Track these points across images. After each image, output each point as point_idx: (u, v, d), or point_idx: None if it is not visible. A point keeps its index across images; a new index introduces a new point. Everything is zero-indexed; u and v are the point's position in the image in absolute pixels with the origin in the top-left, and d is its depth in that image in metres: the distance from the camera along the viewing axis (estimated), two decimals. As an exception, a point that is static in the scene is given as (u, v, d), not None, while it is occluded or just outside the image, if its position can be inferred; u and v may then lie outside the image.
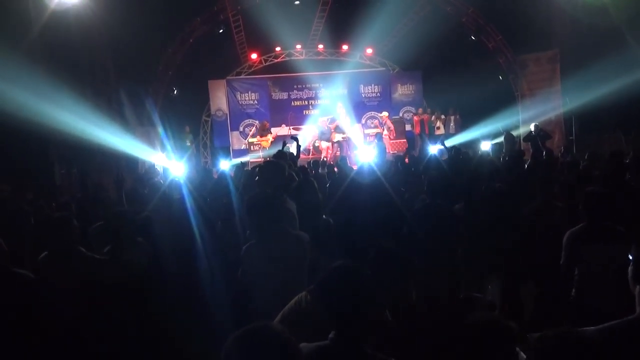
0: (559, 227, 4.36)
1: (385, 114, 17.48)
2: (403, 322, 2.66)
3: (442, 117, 17.85)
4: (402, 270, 2.72)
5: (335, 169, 9.88)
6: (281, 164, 4.79)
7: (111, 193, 7.31)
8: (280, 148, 7.33)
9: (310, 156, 16.57)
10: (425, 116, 18.25)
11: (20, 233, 5.24)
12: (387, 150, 15.59)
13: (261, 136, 16.55)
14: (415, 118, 18.11)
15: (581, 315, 3.70)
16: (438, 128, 17.75)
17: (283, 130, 17.82)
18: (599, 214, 3.87)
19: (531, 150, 12.39)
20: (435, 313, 2.70)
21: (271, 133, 16.55)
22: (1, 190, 7.15)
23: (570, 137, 15.06)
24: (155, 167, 13.18)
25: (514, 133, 14.84)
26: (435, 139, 17.05)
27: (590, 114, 13.34)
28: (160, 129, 16.01)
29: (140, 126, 15.35)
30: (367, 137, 17.85)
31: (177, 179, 6.58)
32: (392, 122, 17.41)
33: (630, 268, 2.38)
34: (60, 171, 11.11)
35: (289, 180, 4.76)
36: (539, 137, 13.29)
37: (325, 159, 14.84)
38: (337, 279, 2.19)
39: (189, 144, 17.26)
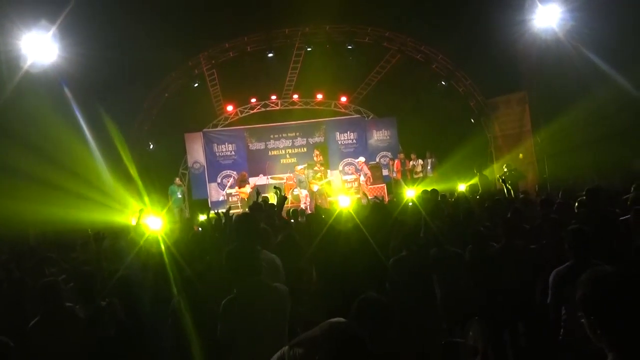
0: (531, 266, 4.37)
1: (361, 159, 17.63)
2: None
3: (420, 161, 18.08)
4: (385, 319, 2.69)
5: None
6: (254, 216, 4.77)
7: (90, 250, 7.17)
8: (255, 199, 7.31)
9: (289, 205, 16.54)
10: (407, 161, 18.41)
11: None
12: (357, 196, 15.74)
13: (240, 187, 16.51)
14: (397, 163, 18.21)
15: (570, 356, 3.66)
16: (417, 172, 17.93)
17: (261, 179, 17.86)
18: (584, 252, 3.88)
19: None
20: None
21: (249, 183, 16.52)
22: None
23: (544, 176, 15.34)
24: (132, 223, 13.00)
25: (488, 173, 15.08)
26: (413, 182, 17.27)
27: (562, 153, 13.65)
28: (138, 184, 15.90)
29: (117, 182, 15.23)
30: (346, 184, 17.97)
31: (155, 234, 6.50)
32: (370, 168, 17.55)
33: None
34: (34, 232, 10.95)
35: (264, 234, 4.72)
36: (512, 176, 13.45)
37: (304, 207, 14.83)
38: (332, 336, 2.18)
39: (180, 195, 17.07)
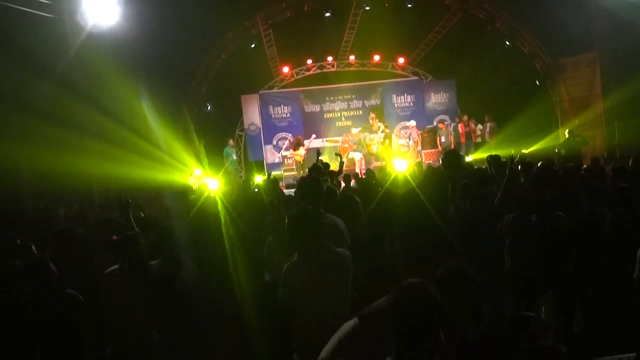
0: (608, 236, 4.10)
1: (412, 123, 17.24)
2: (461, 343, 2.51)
3: (479, 125, 17.55)
4: (470, 290, 2.57)
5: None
6: (318, 179, 4.67)
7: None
8: (315, 161, 7.24)
9: (345, 168, 16.44)
10: (471, 123, 17.81)
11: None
12: (418, 160, 15.43)
13: (294, 150, 16.53)
14: (461, 125, 17.68)
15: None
16: (478, 136, 17.45)
17: (316, 142, 17.80)
18: None
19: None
20: (489, 335, 2.54)
21: (304, 146, 16.49)
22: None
23: (614, 142, 14.54)
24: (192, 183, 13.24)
25: (553, 138, 14.52)
26: (473, 146, 16.84)
27: (634, 118, 12.86)
28: (197, 145, 16.14)
29: (176, 142, 15.47)
30: (402, 148, 17.68)
31: (212, 194, 6.56)
32: (423, 133, 17.15)
33: None
34: (98, 189, 11.36)
35: (328, 196, 4.62)
36: (575, 142, 12.79)
37: (358, 172, 14.70)
38: (411, 295, 2.15)
39: (235, 157, 17.31)
